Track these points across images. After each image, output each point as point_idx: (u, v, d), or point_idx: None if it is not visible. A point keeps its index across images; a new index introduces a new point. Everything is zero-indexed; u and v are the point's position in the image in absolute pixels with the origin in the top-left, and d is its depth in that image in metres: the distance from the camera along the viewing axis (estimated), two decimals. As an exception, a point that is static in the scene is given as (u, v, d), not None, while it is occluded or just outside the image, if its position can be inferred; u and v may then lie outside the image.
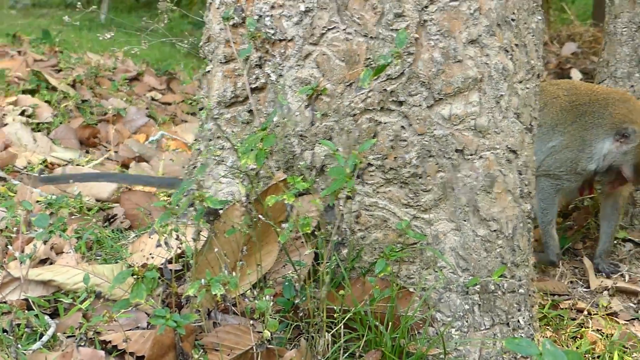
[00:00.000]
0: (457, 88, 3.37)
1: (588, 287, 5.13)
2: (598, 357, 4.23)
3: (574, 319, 4.63)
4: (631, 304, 5.02)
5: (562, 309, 4.76)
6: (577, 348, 4.21)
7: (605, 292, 5.09)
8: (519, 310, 3.58)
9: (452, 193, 3.42)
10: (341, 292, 3.27)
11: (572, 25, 12.97)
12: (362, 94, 3.33)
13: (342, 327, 3.19)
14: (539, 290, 4.80)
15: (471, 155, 3.42)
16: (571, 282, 5.15)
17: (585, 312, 4.71)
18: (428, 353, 3.36)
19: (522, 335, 3.59)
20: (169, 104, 8.72)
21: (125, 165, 6.17)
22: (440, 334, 3.35)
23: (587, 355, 4.24)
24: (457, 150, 3.40)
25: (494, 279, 3.45)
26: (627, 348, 4.38)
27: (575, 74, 10.09)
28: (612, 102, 5.15)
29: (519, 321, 3.58)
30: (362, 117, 3.37)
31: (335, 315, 3.20)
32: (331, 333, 3.21)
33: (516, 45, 3.47)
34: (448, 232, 3.44)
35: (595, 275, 5.20)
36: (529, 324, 3.62)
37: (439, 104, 3.37)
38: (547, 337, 4.33)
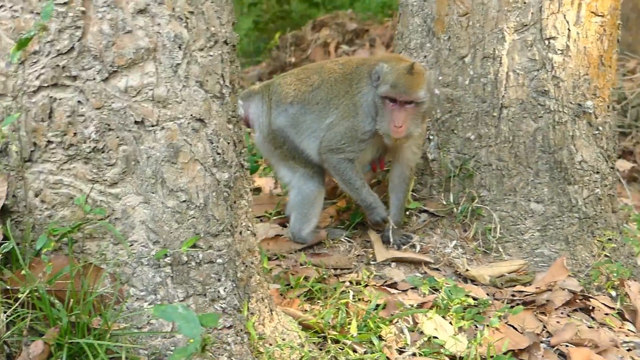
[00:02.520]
0: (130, 59, 3.36)
1: (375, 259, 5.11)
2: (357, 326, 4.22)
3: (350, 292, 4.61)
4: (418, 274, 5.02)
5: (342, 282, 4.75)
6: (322, 318, 4.20)
7: (394, 264, 5.08)
8: (219, 280, 3.58)
9: (137, 166, 3.41)
10: (23, 272, 3.25)
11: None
12: (35, 71, 3.31)
13: (24, 306, 3.18)
14: (322, 265, 4.80)
15: (153, 126, 3.41)
16: (358, 255, 5.13)
17: (358, 284, 4.71)
18: (118, 327, 3.35)
19: (224, 305, 3.59)
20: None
21: None
22: (121, 305, 3.34)
23: (344, 326, 4.22)
24: (137, 122, 3.40)
25: (183, 250, 3.43)
26: (393, 317, 4.36)
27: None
28: (374, 59, 5.19)
29: (219, 292, 3.57)
30: (38, 95, 3.35)
31: (19, 296, 3.19)
32: (7, 313, 3.19)
33: (191, 12, 3.46)
34: (137, 206, 3.44)
35: (387, 247, 5.19)
36: (234, 294, 3.62)
37: (115, 77, 3.36)
38: (308, 310, 4.33)
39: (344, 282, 4.71)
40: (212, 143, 3.55)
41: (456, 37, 5.37)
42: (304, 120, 5.17)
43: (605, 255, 5.21)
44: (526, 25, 5.18)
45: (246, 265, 3.81)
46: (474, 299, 4.75)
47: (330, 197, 5.77)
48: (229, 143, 3.64)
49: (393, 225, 5.20)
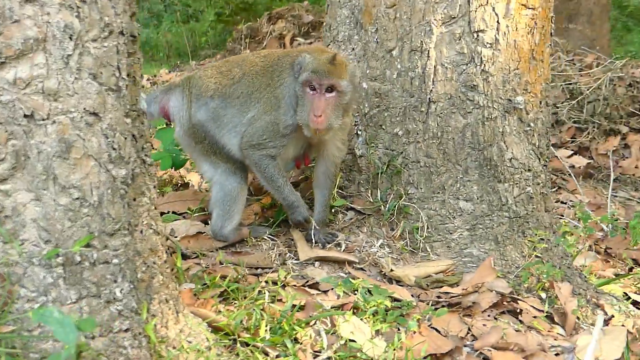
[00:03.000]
0: (18, 50, 3.28)
1: (299, 258, 5.05)
2: (271, 328, 4.16)
3: (266, 293, 4.54)
4: (342, 274, 4.96)
5: (261, 282, 4.68)
6: (233, 319, 4.13)
7: (318, 263, 5.03)
8: (115, 281, 3.50)
9: (27, 161, 3.33)
10: None
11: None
12: None
13: None
14: (242, 264, 4.74)
15: (43, 120, 3.33)
16: (281, 254, 5.07)
17: (277, 284, 4.64)
18: (5, 331, 3.28)
19: (120, 307, 3.51)
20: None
21: None
22: (9, 306, 3.27)
23: (258, 329, 4.17)
24: (26, 116, 3.31)
25: (75, 249, 3.36)
26: (310, 319, 4.31)
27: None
28: (297, 51, 5.14)
29: (115, 293, 3.50)
30: None
31: None
32: None
33: (83, 1, 3.38)
34: (28, 203, 3.36)
35: (312, 245, 5.13)
36: (131, 296, 3.54)
37: (3, 68, 3.29)
38: (222, 311, 4.26)
39: (262, 282, 4.62)
40: (108, 138, 3.48)
41: (384, 29, 5.32)
42: (225, 115, 5.10)
43: (536, 256, 5.16)
44: (454, 17, 5.14)
45: (148, 266, 3.74)
46: (397, 300, 4.68)
47: (256, 193, 5.70)
48: (126, 138, 3.56)
49: (315, 225, 5.13)
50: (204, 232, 5.24)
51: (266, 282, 4.66)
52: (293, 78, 4.94)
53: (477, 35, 5.12)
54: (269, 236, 5.22)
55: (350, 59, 5.40)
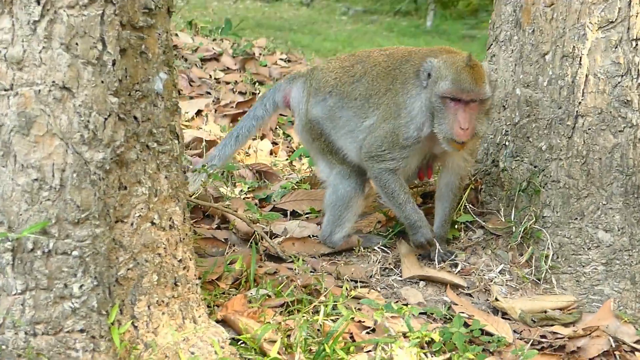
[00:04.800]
0: (-17, 12, 2.76)
1: (402, 275, 4.21)
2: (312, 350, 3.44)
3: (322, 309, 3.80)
4: (445, 298, 4.07)
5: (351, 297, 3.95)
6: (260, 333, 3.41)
7: (423, 283, 4.18)
8: (75, 275, 2.90)
9: (-15, 135, 2.82)
10: None
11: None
12: None
13: None
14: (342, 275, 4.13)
15: (5, 90, 2.83)
16: (385, 269, 4.24)
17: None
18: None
19: (76, 304, 2.91)
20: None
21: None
22: None
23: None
24: (-12, 85, 2.79)
25: (23, 235, 2.80)
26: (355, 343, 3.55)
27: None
28: (420, 54, 4.24)
29: (71, 289, 2.89)
30: None
31: None
32: None
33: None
34: (-16, 180, 2.84)
35: (425, 262, 4.25)
36: (95, 294, 2.93)
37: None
38: (271, 322, 3.57)
39: (353, 297, 3.88)
40: (81, 116, 2.85)
41: (540, 30, 4.37)
42: (341, 116, 4.34)
43: (681, 302, 4.00)
44: (612, 22, 4.12)
45: (138, 263, 3.10)
46: (489, 334, 3.72)
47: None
48: (106, 119, 2.91)
49: (439, 248, 4.22)
50: (315, 236, 4.46)
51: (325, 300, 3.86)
52: (420, 87, 4.07)
53: (637, 44, 4.04)
54: (381, 247, 4.42)
55: (509, 62, 4.43)
